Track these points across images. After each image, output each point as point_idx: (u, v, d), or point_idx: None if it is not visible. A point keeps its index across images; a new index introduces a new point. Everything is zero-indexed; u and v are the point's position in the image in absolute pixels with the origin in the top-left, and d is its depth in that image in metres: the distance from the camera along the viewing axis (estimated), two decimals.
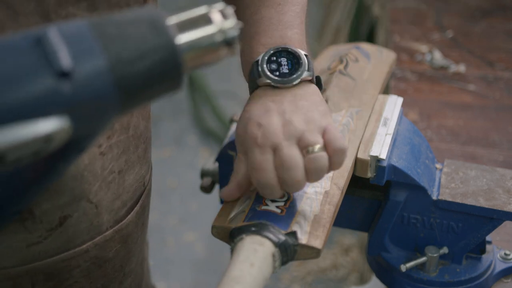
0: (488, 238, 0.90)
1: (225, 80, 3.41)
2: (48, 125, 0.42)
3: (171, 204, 2.56)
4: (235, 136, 0.76)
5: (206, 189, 1.05)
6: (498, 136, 1.28)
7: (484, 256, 0.89)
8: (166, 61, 0.48)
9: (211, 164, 1.05)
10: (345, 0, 2.58)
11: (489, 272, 0.89)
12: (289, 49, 0.75)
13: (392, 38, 1.66)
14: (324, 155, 0.70)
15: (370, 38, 2.26)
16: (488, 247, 0.90)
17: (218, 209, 0.77)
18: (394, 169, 0.83)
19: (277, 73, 0.74)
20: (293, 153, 0.69)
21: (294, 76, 0.74)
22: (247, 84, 0.78)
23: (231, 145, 0.91)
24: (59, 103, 0.43)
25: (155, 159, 0.88)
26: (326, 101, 0.90)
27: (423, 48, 1.60)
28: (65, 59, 0.43)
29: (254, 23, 0.77)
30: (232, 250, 0.67)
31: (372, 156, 0.82)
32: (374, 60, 1.03)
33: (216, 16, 0.53)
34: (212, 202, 1.66)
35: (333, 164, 0.71)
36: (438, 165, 0.91)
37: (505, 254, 0.92)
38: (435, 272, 0.87)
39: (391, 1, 1.87)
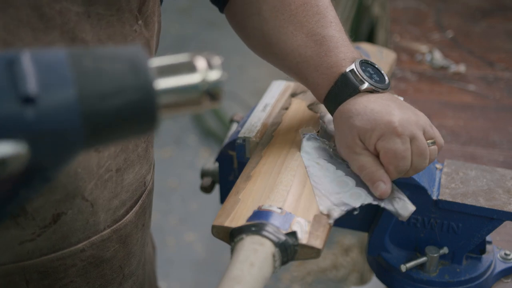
0: (488, 238, 0.90)
1: (225, 80, 3.41)
2: (3, 148, 0.41)
3: (171, 204, 2.56)
4: (345, 134, 0.78)
5: (206, 189, 1.04)
6: (498, 136, 1.28)
7: (484, 256, 0.89)
8: (140, 103, 0.46)
9: (211, 164, 1.04)
10: (345, 0, 2.58)
11: (489, 272, 0.89)
12: (369, 61, 0.82)
13: (392, 38, 1.66)
14: (436, 149, 0.79)
15: (370, 38, 2.26)
16: (488, 247, 0.90)
17: (218, 209, 0.77)
18: None
19: (373, 80, 0.80)
20: (426, 144, 0.77)
21: (387, 82, 0.82)
22: (327, 95, 0.81)
23: (231, 145, 0.91)
24: (19, 127, 0.41)
25: (155, 159, 0.88)
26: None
27: (423, 48, 1.60)
28: (31, 84, 0.41)
29: (318, 43, 0.82)
30: (232, 250, 0.67)
31: None
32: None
33: (201, 64, 0.49)
34: (212, 202, 1.66)
35: (434, 157, 0.79)
36: (438, 165, 0.90)
37: (505, 254, 0.92)
38: (435, 272, 0.87)
39: (391, 1, 1.87)
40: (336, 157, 0.81)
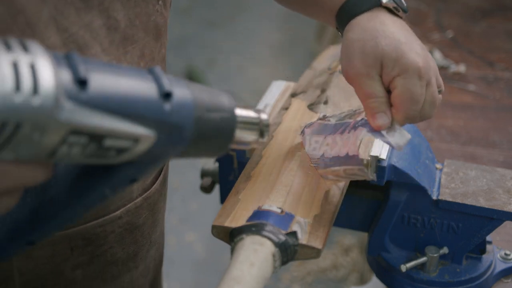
0: (488, 238, 0.90)
1: (225, 80, 3.41)
2: (142, 130, 0.52)
3: (171, 204, 2.55)
4: (364, 52, 0.74)
5: (206, 189, 1.05)
6: (498, 136, 1.28)
7: (484, 256, 0.89)
8: (227, 120, 0.60)
9: (211, 164, 1.05)
10: None
11: (489, 272, 0.89)
12: None
13: None
14: (441, 97, 0.77)
15: None
16: (488, 247, 0.90)
17: (218, 209, 0.77)
18: (394, 169, 0.83)
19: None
20: (437, 92, 0.75)
21: (405, 5, 0.77)
22: (343, 5, 0.78)
23: None
24: (158, 115, 0.52)
25: None
26: (326, 101, 0.90)
27: None
28: (167, 84, 0.54)
29: None
30: (232, 250, 0.67)
31: (372, 156, 0.82)
32: None
33: (259, 113, 0.66)
34: (212, 202, 1.66)
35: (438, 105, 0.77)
36: (438, 165, 0.91)
37: (505, 254, 0.92)
38: (435, 272, 0.87)
39: None
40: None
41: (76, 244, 0.78)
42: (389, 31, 0.74)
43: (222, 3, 4.31)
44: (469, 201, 0.83)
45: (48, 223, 0.57)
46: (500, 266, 0.91)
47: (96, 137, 0.49)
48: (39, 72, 0.45)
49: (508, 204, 0.82)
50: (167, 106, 0.53)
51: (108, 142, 0.50)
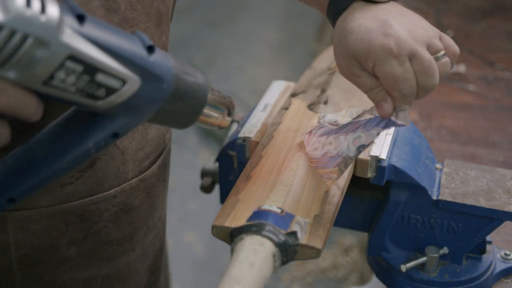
0: (488, 238, 0.90)
1: (225, 80, 3.41)
2: (129, 72, 0.57)
3: (171, 204, 2.55)
4: (341, 53, 0.75)
5: (206, 189, 1.05)
6: (498, 136, 1.28)
7: (484, 256, 0.89)
8: (200, 88, 0.67)
9: (211, 164, 1.05)
10: None
11: (489, 272, 0.89)
12: None
13: None
14: (449, 61, 0.74)
15: None
16: (488, 247, 0.90)
17: (218, 209, 0.77)
18: (394, 169, 0.83)
19: None
20: (431, 58, 0.72)
21: None
22: (328, 5, 0.79)
23: (231, 145, 0.91)
24: (143, 62, 0.59)
25: None
26: (326, 101, 0.90)
27: None
28: (149, 41, 0.60)
29: None
30: (232, 250, 0.67)
31: (372, 156, 0.82)
32: None
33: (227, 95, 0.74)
34: (212, 202, 1.66)
35: (447, 70, 0.74)
36: (438, 165, 0.91)
37: (505, 254, 0.92)
38: (435, 272, 0.87)
39: None
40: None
41: (70, 219, 0.79)
42: (356, 25, 0.74)
43: (222, 3, 4.31)
44: (469, 201, 0.83)
45: (30, 180, 0.61)
46: (500, 266, 0.91)
47: (90, 68, 0.54)
48: (46, 0, 0.51)
49: (508, 204, 0.82)
50: (150, 57, 0.60)
51: (100, 77, 0.55)
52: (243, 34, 3.88)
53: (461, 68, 1.51)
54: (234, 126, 1.03)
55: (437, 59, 0.72)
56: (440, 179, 0.87)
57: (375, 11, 0.75)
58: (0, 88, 0.51)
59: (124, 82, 0.57)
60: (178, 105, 0.65)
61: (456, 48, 0.75)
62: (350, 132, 0.78)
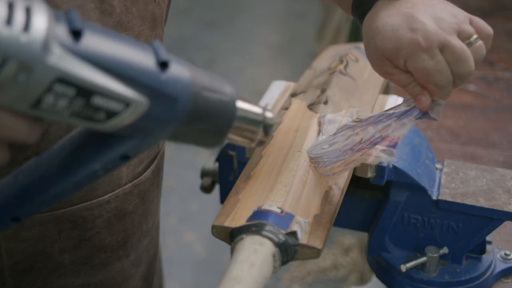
0: (488, 238, 0.90)
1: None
2: (134, 94, 0.51)
3: (171, 204, 2.56)
4: (372, 54, 0.75)
5: (206, 189, 1.05)
6: (498, 136, 1.28)
7: (484, 256, 0.89)
8: (226, 104, 0.59)
9: (211, 164, 1.05)
10: None
11: (489, 272, 0.89)
12: None
13: None
14: (482, 44, 0.73)
15: None
16: (488, 247, 0.90)
17: (218, 209, 0.77)
18: (394, 169, 0.83)
19: None
20: (463, 45, 0.71)
21: None
22: (352, 9, 0.79)
23: (231, 145, 0.91)
24: (152, 81, 0.52)
25: None
26: (326, 101, 0.90)
27: None
28: (164, 55, 0.53)
29: None
30: (232, 250, 0.67)
31: None
32: None
33: (262, 109, 0.66)
34: (212, 202, 1.66)
35: (482, 53, 0.73)
36: (438, 165, 0.91)
37: (505, 254, 0.92)
38: (435, 272, 0.87)
39: None
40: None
41: (64, 226, 0.78)
42: (381, 24, 0.73)
43: (221, 4, 4.31)
44: (469, 201, 0.83)
45: (36, 199, 0.57)
46: (500, 266, 0.91)
47: (84, 91, 0.48)
48: (33, 13, 0.45)
49: (508, 204, 0.82)
50: (163, 75, 0.53)
51: (97, 100, 0.49)
52: (242, 35, 3.88)
53: None
54: None
55: (469, 44, 0.71)
56: (440, 179, 0.87)
57: (399, 6, 0.74)
58: None
59: (127, 104, 0.51)
60: (199, 125, 0.58)
61: (488, 29, 0.74)
62: (381, 123, 0.78)
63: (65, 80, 0.47)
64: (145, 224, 0.88)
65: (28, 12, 0.44)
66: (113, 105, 0.50)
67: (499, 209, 0.82)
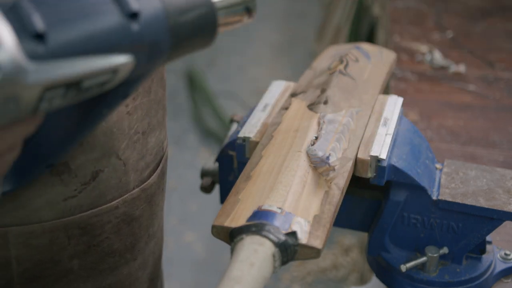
0: (488, 238, 0.90)
1: (225, 80, 3.41)
2: (117, 59, 0.50)
3: (171, 204, 2.56)
4: None
5: (206, 189, 1.05)
6: (498, 136, 1.28)
7: (484, 256, 0.89)
8: (206, 16, 0.59)
9: (211, 164, 1.05)
10: (345, 0, 2.58)
11: (489, 272, 0.89)
12: None
13: (392, 38, 1.66)
14: None
15: (370, 38, 2.27)
16: (488, 247, 0.90)
17: (218, 209, 0.77)
18: (394, 169, 0.83)
19: None
20: None
21: None
22: None
23: (231, 145, 0.91)
24: (128, 39, 0.51)
25: None
26: (326, 101, 0.90)
27: (423, 48, 1.60)
28: (134, 3, 0.51)
29: None
30: (232, 250, 0.67)
31: (372, 156, 0.82)
32: (374, 60, 1.03)
33: None
34: (212, 202, 1.66)
35: None
36: (438, 165, 0.91)
37: (505, 254, 0.92)
38: (435, 272, 0.87)
39: (391, 1, 1.87)
40: None
41: (73, 233, 0.78)
42: None
43: None
44: (469, 201, 0.83)
45: (61, 146, 0.61)
46: (500, 266, 0.91)
47: (72, 84, 0.47)
48: None
49: (508, 204, 0.82)
50: (135, 26, 0.51)
51: (87, 83, 0.49)
52: (242, 35, 3.88)
53: (461, 68, 1.51)
54: (234, 126, 1.03)
55: None
56: (440, 179, 0.87)
57: None
58: None
59: (114, 71, 0.50)
60: (185, 46, 0.58)
61: None
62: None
63: (51, 86, 0.46)
64: (151, 227, 0.89)
65: None
66: (102, 78, 0.50)
67: (499, 209, 0.82)
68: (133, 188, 0.83)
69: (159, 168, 0.87)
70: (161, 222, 0.94)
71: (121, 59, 0.50)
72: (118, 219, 0.82)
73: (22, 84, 0.43)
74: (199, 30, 0.58)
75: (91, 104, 0.57)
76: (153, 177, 0.86)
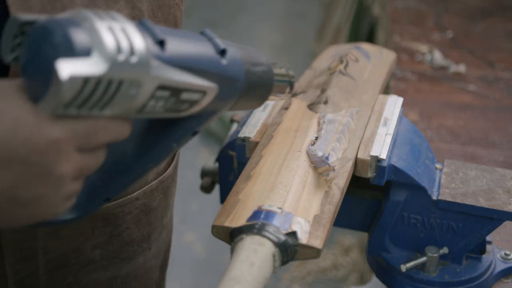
0: (488, 238, 0.90)
1: None
2: (208, 83, 0.60)
3: None
4: None
5: (206, 189, 1.05)
6: (498, 136, 1.28)
7: (484, 256, 0.89)
8: (268, 73, 0.72)
9: (211, 164, 1.05)
10: (345, 0, 2.58)
11: (489, 272, 0.89)
12: None
13: (392, 38, 1.66)
14: None
15: (370, 38, 2.27)
16: (488, 247, 0.90)
17: (218, 209, 0.77)
18: (394, 169, 0.83)
19: None
20: None
21: None
22: None
23: (231, 145, 0.91)
24: (218, 70, 0.62)
25: None
26: (326, 101, 0.90)
27: (423, 48, 1.60)
28: (221, 43, 0.63)
29: None
30: (232, 250, 0.67)
31: (372, 156, 0.82)
32: (374, 60, 1.03)
33: (286, 69, 0.80)
34: (212, 202, 1.66)
35: None
36: (438, 165, 0.91)
37: (505, 254, 0.92)
38: (435, 272, 0.87)
39: (391, 1, 1.87)
40: None
41: (97, 224, 0.81)
42: None
43: (223, 3, 4.31)
44: (469, 201, 0.83)
45: (121, 179, 0.66)
46: (500, 266, 0.91)
47: (176, 91, 0.57)
48: (131, 36, 0.52)
49: (508, 204, 0.82)
50: (223, 61, 0.63)
51: (184, 96, 0.58)
52: (243, 35, 3.88)
53: (461, 68, 1.51)
54: (234, 126, 1.03)
55: None
56: (440, 179, 0.87)
57: None
58: (102, 126, 0.54)
59: (204, 93, 0.60)
60: (251, 95, 0.69)
61: None
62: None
63: (164, 86, 0.55)
64: (165, 217, 0.93)
65: (126, 33, 0.52)
66: (195, 96, 0.59)
67: (499, 209, 0.82)
68: (152, 180, 0.86)
69: (174, 161, 0.91)
70: (172, 212, 0.98)
71: (211, 84, 0.60)
72: (138, 209, 0.85)
73: (147, 74, 0.52)
74: (262, 83, 0.70)
75: (161, 136, 0.65)
76: (169, 169, 0.89)
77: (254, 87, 0.69)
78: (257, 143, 0.87)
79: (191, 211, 2.56)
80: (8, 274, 0.79)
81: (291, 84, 0.79)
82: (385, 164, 0.82)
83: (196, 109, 0.61)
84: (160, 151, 0.65)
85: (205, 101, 0.61)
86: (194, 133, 0.66)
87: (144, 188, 0.85)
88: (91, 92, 0.50)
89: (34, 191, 0.53)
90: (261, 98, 0.73)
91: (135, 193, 0.84)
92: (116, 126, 0.56)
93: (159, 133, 0.65)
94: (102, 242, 0.83)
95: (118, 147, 0.64)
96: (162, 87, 0.55)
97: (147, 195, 0.86)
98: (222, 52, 0.63)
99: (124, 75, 0.51)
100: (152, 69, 0.53)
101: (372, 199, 0.91)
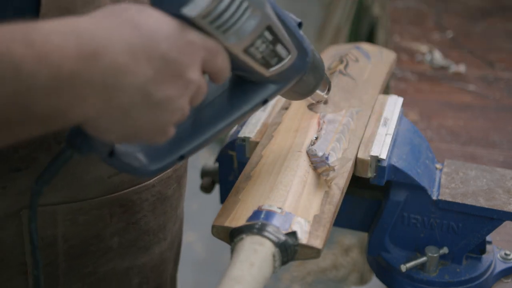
0: (488, 238, 0.90)
1: None
2: (292, 45, 0.68)
3: None
4: None
5: (206, 189, 1.05)
6: (498, 136, 1.28)
7: (484, 256, 0.89)
8: (321, 61, 0.78)
9: (211, 164, 1.05)
10: (345, 0, 2.58)
11: (489, 272, 0.89)
12: None
13: (392, 38, 1.66)
14: None
15: (370, 38, 2.27)
16: (488, 247, 0.90)
17: (218, 209, 0.77)
18: (394, 169, 0.83)
19: None
20: None
21: None
22: None
23: (231, 145, 0.91)
24: (299, 38, 0.69)
25: None
26: (326, 101, 0.90)
27: (423, 48, 1.60)
28: (297, 18, 0.70)
29: None
30: (232, 250, 0.67)
31: (372, 156, 0.82)
32: (374, 60, 1.03)
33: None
34: (212, 202, 1.66)
35: None
36: (438, 165, 0.91)
37: (505, 254, 0.92)
38: (435, 272, 0.87)
39: (391, 1, 1.87)
40: None
41: (115, 210, 0.82)
42: None
43: None
44: (469, 201, 0.83)
45: (198, 139, 0.69)
46: (500, 266, 0.91)
47: (275, 39, 0.64)
48: None
49: (508, 204, 0.82)
50: (300, 32, 0.69)
51: (279, 47, 0.65)
52: None
53: (461, 68, 1.51)
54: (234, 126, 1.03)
55: None
56: (440, 179, 0.87)
57: None
58: (221, 52, 0.60)
59: (289, 52, 0.67)
60: (311, 75, 0.75)
61: None
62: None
63: (271, 28, 0.62)
64: (179, 208, 0.94)
65: None
66: (283, 52, 0.66)
67: (499, 209, 0.82)
68: None
69: None
70: (183, 204, 0.98)
71: (293, 48, 0.67)
72: (154, 197, 0.86)
73: (264, 9, 0.60)
74: (320, 67, 0.76)
75: (238, 101, 0.70)
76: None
77: (315, 68, 0.74)
78: (257, 143, 0.87)
79: (191, 211, 2.56)
80: (27, 262, 0.79)
81: (329, 88, 0.83)
82: (385, 164, 0.82)
83: (279, 68, 0.67)
84: (234, 116, 0.70)
85: (287, 63, 0.68)
86: (265, 101, 0.71)
87: (160, 175, 0.86)
88: (225, 8, 0.57)
89: (165, 91, 0.57)
90: (313, 85, 0.77)
91: (151, 180, 0.85)
92: (226, 58, 0.61)
93: (237, 98, 0.70)
94: (120, 229, 0.84)
95: (200, 106, 0.68)
96: (269, 28, 0.62)
97: (163, 183, 0.87)
98: (299, 25, 0.69)
99: (251, 1, 0.59)
100: (266, 7, 0.61)
101: (372, 199, 0.91)
